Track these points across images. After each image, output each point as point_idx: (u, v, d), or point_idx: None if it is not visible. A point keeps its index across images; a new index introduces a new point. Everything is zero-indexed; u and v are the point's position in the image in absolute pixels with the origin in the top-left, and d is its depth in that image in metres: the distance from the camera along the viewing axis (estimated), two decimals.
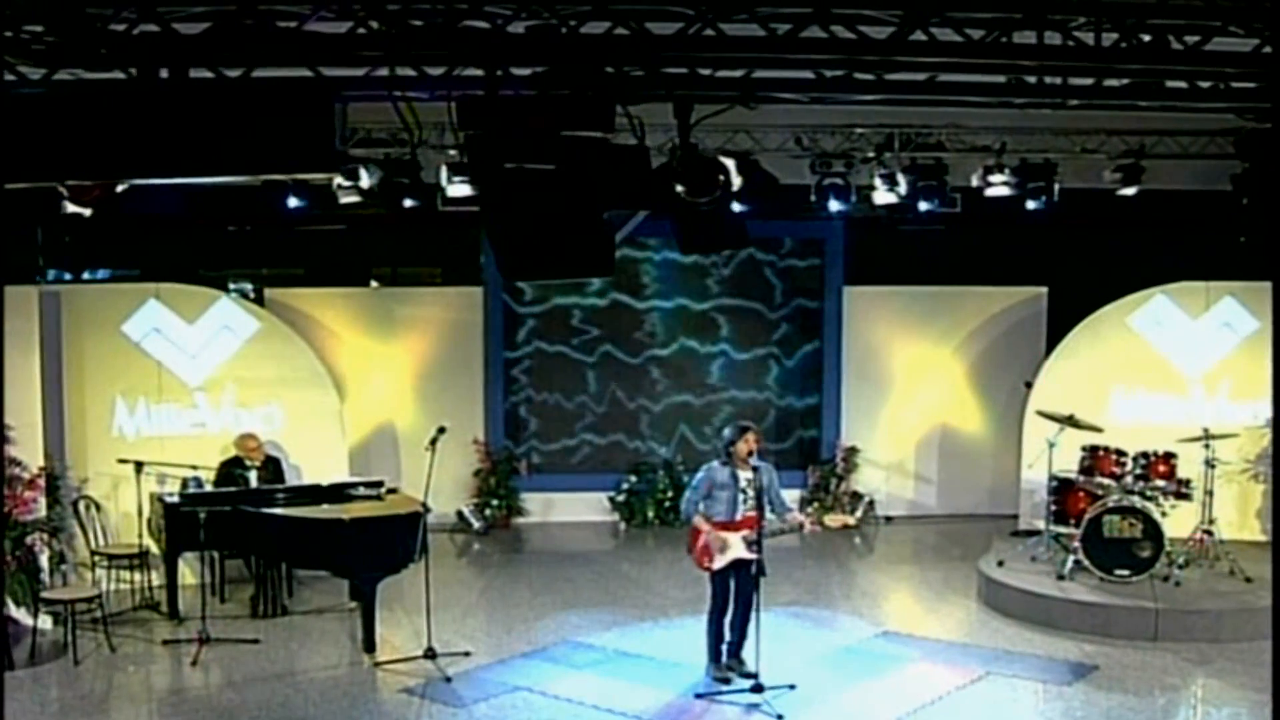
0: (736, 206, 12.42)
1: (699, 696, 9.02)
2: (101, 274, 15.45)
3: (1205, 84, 6.96)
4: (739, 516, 9.04)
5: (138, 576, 10.97)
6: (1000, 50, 5.76)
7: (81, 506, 10.97)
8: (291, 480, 11.60)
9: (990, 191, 12.21)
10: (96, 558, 10.92)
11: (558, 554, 13.28)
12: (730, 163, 6.97)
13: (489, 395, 14.33)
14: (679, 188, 6.97)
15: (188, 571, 11.53)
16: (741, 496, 9.05)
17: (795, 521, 9.14)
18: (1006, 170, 12.20)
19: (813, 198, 12.69)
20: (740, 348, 14.77)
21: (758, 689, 8.93)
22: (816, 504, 14.36)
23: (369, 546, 9.73)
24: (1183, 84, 6.95)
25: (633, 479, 14.28)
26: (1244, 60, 5.82)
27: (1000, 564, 11.44)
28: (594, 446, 14.61)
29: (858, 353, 14.59)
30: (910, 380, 14.61)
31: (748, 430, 9.17)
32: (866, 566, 12.91)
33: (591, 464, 14.62)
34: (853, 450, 14.49)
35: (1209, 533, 11.38)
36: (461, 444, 14.09)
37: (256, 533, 10.03)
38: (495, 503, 14.02)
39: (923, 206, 12.51)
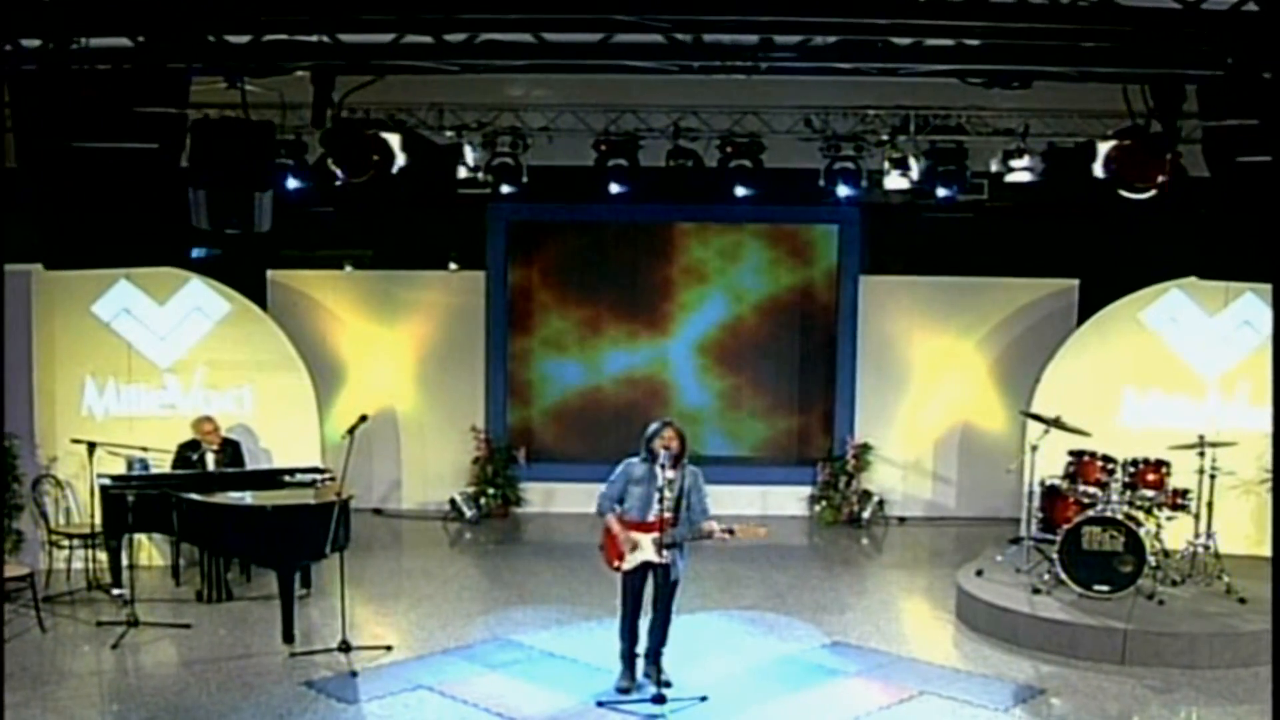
0: (742, 191, 12.18)
1: (600, 704, 8.63)
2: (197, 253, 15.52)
3: (933, 41, 6.18)
4: (651, 517, 8.60)
5: (99, 556, 11.02)
6: (659, 5, 5.08)
7: (46, 485, 11.09)
8: (263, 464, 11.60)
9: (1011, 177, 11.54)
10: (55, 537, 11.02)
11: (542, 546, 12.99)
12: (394, 138, 6.48)
13: (490, 382, 14.09)
14: (331, 164, 6.52)
15: (154, 552, 11.63)
16: (656, 496, 8.60)
17: (706, 530, 8.63)
18: (1027, 156, 11.50)
19: (821, 182, 12.14)
20: (751, 338, 14.32)
21: (659, 700, 8.53)
22: (824, 502, 13.83)
23: (286, 535, 9.59)
24: (905, 40, 6.19)
25: None
26: (968, 12, 5.05)
27: (979, 574, 10.75)
28: (599, 435, 14.28)
29: (874, 345, 13.95)
30: (930, 375, 13.91)
31: (668, 426, 8.71)
32: (854, 570, 12.27)
33: (597, 453, 14.30)
34: (865, 447, 13.85)
35: (1206, 547, 10.48)
36: (460, 431, 13.95)
37: (182, 518, 9.96)
38: (491, 491, 13.78)
39: (941, 193, 11.86)
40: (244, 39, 5.12)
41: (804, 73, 7.56)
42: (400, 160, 6.64)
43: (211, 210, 5.60)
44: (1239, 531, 11.40)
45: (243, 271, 13.14)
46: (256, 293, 13.17)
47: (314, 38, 5.45)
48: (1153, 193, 8.06)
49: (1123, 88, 7.18)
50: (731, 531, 8.62)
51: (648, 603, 8.83)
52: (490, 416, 14.06)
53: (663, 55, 6.33)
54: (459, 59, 5.85)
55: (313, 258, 14.23)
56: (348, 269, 14.40)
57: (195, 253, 14.74)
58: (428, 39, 5.50)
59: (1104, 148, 8.37)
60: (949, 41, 6.14)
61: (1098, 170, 8.43)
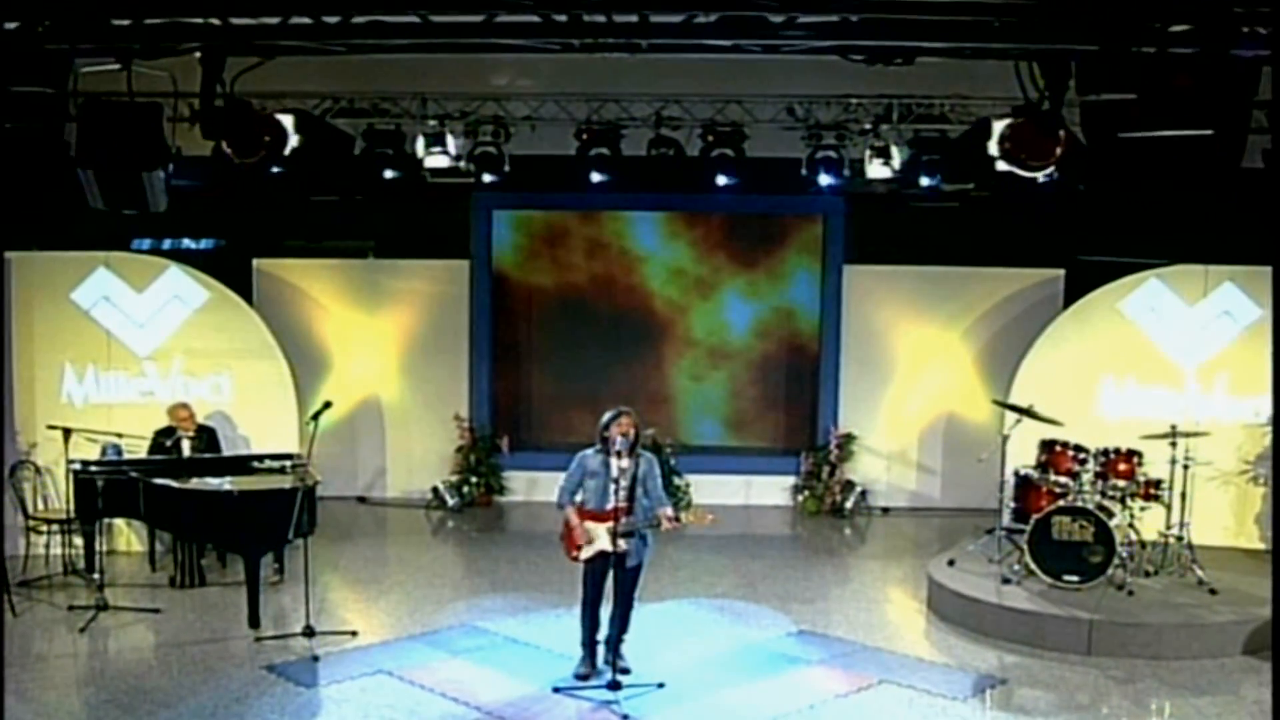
0: (723, 180, 12.15)
1: (556, 690, 8.63)
2: (205, 243, 15.61)
3: (808, 18, 6.08)
4: (608, 507, 8.59)
5: (76, 541, 11.09)
6: None
7: (25, 471, 11.18)
8: (241, 450, 11.66)
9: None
10: (33, 522, 11.11)
11: (521, 535, 13.01)
12: (288, 120, 6.46)
13: (474, 370, 14.12)
14: (224, 145, 6.50)
15: (133, 538, 11.71)
16: (613, 487, 8.60)
17: (658, 518, 8.62)
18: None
19: (804, 171, 12.11)
20: (735, 328, 14.30)
21: (614, 686, 8.52)
22: (807, 492, 13.80)
23: (249, 520, 9.63)
24: (780, 18, 6.10)
25: None
26: None
27: (951, 563, 10.72)
28: (581, 424, 14.27)
29: (858, 336, 13.91)
30: (914, 366, 13.87)
31: (622, 415, 8.71)
32: (832, 559, 12.24)
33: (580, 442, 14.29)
34: (849, 437, 13.81)
35: (1179, 538, 10.41)
36: (443, 419, 13.98)
37: (150, 503, 10.03)
38: (474, 480, 13.80)
39: (924, 182, 11.80)
40: (126, 21, 5.14)
41: (687, 50, 7.46)
42: (294, 141, 6.63)
43: (103, 191, 5.63)
44: (1218, 523, 11.34)
45: (229, 261, 13.25)
46: (243, 282, 13.25)
47: (199, 19, 5.46)
48: (1049, 170, 7.96)
49: (1014, 65, 7.10)
50: (679, 519, 8.61)
51: (610, 590, 8.84)
52: (474, 405, 14.10)
53: (542, 34, 6.28)
54: (340, 39, 5.83)
55: (318, 248, 14.27)
56: (370, 258, 14.43)
57: (203, 244, 14.91)
58: (307, 20, 5.51)
59: (998, 127, 8.29)
60: (833, 17, 6.07)
61: (992, 149, 8.35)
